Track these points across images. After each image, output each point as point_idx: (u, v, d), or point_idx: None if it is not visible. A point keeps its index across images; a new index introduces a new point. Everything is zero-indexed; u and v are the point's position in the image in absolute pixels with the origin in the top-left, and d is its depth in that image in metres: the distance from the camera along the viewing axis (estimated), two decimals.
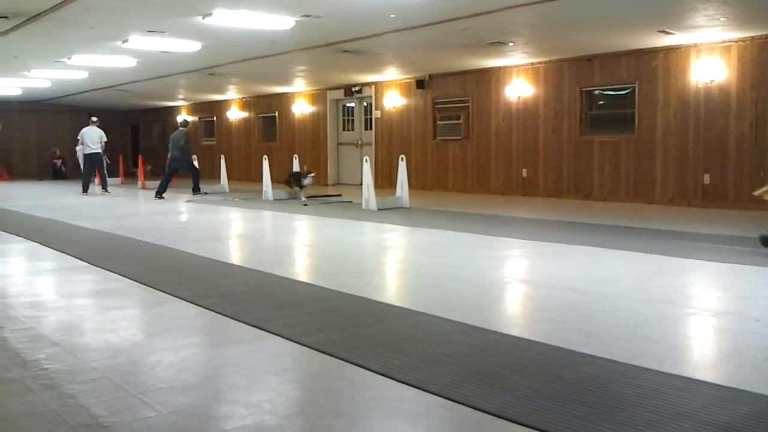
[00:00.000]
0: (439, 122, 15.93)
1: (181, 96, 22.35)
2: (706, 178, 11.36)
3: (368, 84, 17.54)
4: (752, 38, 10.76)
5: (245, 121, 22.09)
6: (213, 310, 4.47)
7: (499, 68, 14.39)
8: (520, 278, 5.98)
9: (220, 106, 22.91)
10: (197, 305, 4.62)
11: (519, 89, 14.11)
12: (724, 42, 11.05)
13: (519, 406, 2.75)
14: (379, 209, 11.25)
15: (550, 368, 3.23)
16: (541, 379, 3.06)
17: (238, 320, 4.21)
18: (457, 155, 15.55)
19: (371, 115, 17.81)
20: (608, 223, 9.26)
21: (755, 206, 10.28)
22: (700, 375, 3.14)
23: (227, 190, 16.43)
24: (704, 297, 5.14)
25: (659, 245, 7.17)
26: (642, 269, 6.03)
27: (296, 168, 14.67)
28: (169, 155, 15.21)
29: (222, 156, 18.04)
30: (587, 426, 2.54)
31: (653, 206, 11.57)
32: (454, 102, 15.61)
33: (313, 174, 13.74)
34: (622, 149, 12.55)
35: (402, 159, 12.35)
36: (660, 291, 5.06)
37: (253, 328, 4.02)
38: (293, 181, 13.60)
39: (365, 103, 18.19)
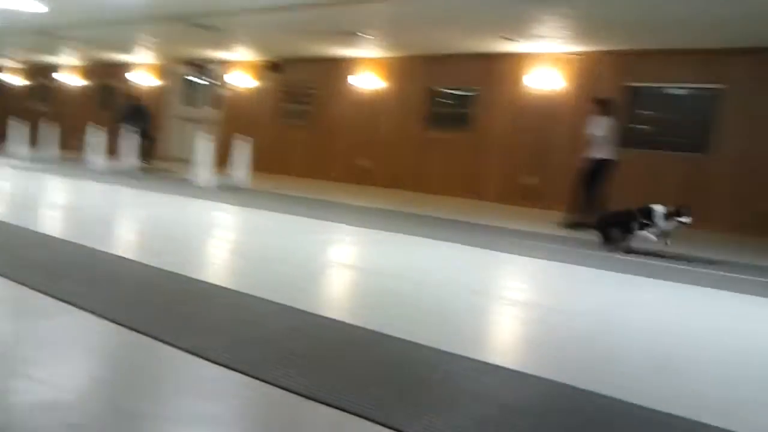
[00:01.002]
0: (286, 106, 15.82)
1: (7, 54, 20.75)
2: (531, 180, 12.00)
3: (218, 61, 17.11)
4: (587, 53, 11.46)
5: (83, 89, 20.88)
6: (17, 281, 4.19)
7: (350, 59, 14.47)
8: (348, 263, 6.05)
9: (54, 70, 21.51)
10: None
11: (368, 81, 14.26)
12: (561, 54, 11.69)
13: (327, 387, 2.77)
14: (217, 188, 11.01)
15: (363, 351, 3.28)
16: (353, 362, 3.10)
17: (46, 293, 3.96)
18: (302, 141, 15.52)
19: (218, 92, 17.38)
20: (439, 215, 9.56)
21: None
22: (501, 361, 3.30)
23: (59, 158, 15.50)
24: (514, 289, 5.43)
25: (481, 239, 7.50)
26: (463, 260, 6.29)
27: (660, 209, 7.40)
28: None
29: (55, 123, 17.00)
30: (392, 406, 2.60)
31: (483, 203, 12.07)
32: (303, 88, 15.55)
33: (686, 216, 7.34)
34: (459, 147, 13.01)
35: (243, 139, 12.15)
36: (476, 281, 5.32)
37: (61, 302, 3.80)
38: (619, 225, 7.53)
39: (212, 81, 17.72)
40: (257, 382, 2.83)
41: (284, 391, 2.75)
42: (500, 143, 12.40)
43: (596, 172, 9.09)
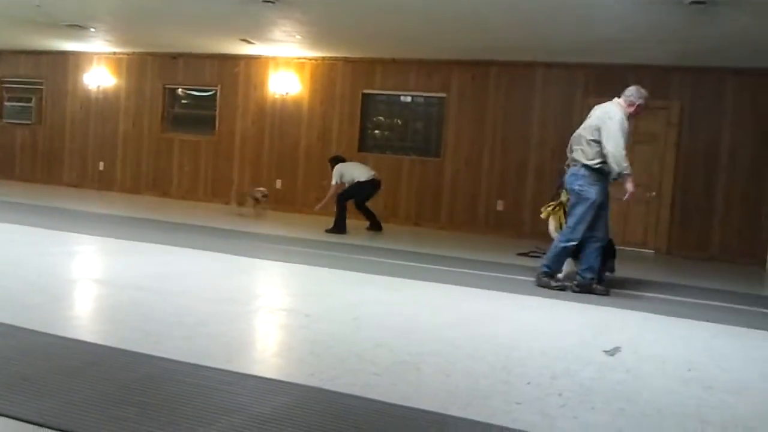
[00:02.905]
0: (6, 103, 14.43)
1: None
2: (278, 183, 12.11)
3: None
4: (323, 58, 11.79)
5: None
6: None
7: (78, 53, 13.55)
8: (84, 277, 5.66)
9: None
10: None
11: (99, 78, 13.46)
12: (299, 58, 11.91)
13: (63, 411, 2.57)
14: None
15: (103, 370, 3.09)
16: (90, 382, 2.91)
17: None
18: (27, 141, 14.25)
19: None
20: (183, 221, 9.31)
21: (316, 213, 11.23)
22: (252, 369, 3.29)
23: None
24: (266, 295, 5.46)
25: (230, 245, 7.43)
26: (211, 268, 6.17)
27: None
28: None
29: None
30: (131, 427, 2.47)
31: (229, 207, 11.95)
32: (25, 83, 14.28)
33: None
34: (202, 149, 12.75)
35: None
36: (225, 289, 5.23)
37: None
38: None
39: None
40: None
41: (14, 421, 2.51)
42: (244, 146, 12.35)
43: None
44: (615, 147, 5.78)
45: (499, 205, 10.88)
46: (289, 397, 2.92)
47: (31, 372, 2.99)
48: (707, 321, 5.34)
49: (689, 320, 5.34)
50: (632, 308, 5.61)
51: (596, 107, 6.19)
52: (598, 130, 5.87)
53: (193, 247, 7.03)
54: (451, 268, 7.05)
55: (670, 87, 9.76)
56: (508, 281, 6.56)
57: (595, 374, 3.66)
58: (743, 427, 3.07)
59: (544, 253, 8.42)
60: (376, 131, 11.91)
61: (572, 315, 5.32)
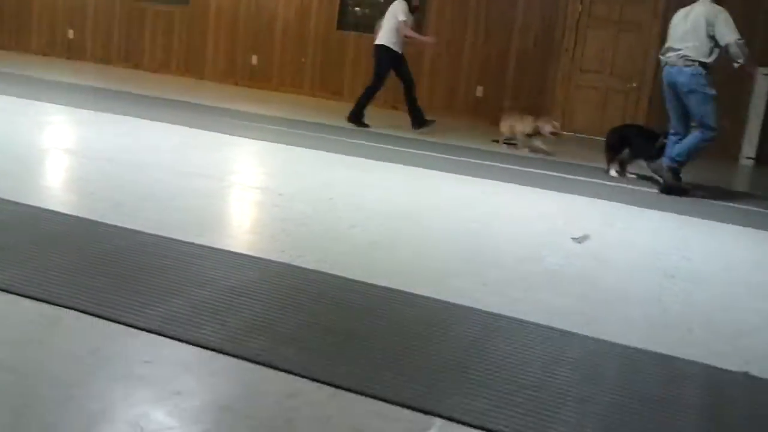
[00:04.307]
0: None
1: None
2: (254, 59, 11.82)
3: None
4: None
5: None
6: None
7: None
8: (54, 147, 5.56)
9: None
10: None
11: None
12: None
13: (32, 279, 2.58)
14: None
15: (74, 240, 3.09)
16: (62, 252, 2.90)
17: None
18: None
19: None
20: (155, 95, 9.11)
21: (294, 90, 11.09)
22: (223, 244, 3.30)
23: None
24: (240, 172, 5.42)
25: (205, 121, 7.31)
26: (185, 143, 6.10)
27: None
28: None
29: None
30: (101, 296, 2.49)
31: (203, 82, 11.69)
32: None
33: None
34: (175, 21, 12.33)
35: None
36: (199, 165, 5.19)
37: None
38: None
39: None
40: None
41: None
42: (220, 19, 11.96)
43: None
44: (737, 35, 5.81)
45: (479, 91, 10.75)
46: (257, 272, 2.96)
47: (1, 241, 2.98)
48: (677, 213, 5.42)
49: (659, 211, 5.42)
50: (605, 197, 5.67)
51: (685, 9, 6.14)
52: (712, 25, 5.88)
53: (167, 121, 6.90)
54: (428, 152, 7.03)
55: None
56: (485, 167, 6.56)
57: (562, 260, 3.73)
58: (700, 313, 3.18)
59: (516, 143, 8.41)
60: (357, 8, 11.55)
61: (546, 202, 5.36)
